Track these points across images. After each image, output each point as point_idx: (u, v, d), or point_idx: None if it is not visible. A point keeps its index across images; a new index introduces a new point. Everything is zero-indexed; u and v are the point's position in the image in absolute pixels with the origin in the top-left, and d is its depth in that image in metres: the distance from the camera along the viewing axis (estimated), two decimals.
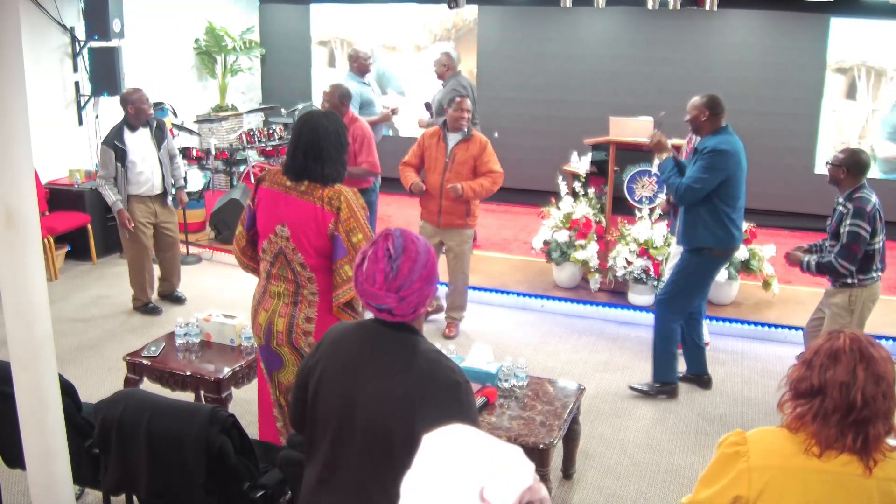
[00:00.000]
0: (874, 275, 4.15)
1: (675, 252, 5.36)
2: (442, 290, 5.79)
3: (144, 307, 6.08)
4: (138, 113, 5.73)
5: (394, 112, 7.35)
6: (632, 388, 4.88)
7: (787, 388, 1.97)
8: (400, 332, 2.02)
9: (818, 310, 4.46)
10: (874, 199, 4.07)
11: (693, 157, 4.51)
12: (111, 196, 5.76)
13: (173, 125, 8.06)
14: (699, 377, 4.99)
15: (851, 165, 4.08)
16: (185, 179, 6.23)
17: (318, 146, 3.07)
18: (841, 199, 4.16)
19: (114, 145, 5.70)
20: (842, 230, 4.08)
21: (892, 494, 1.87)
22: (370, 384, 1.98)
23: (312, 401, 2.08)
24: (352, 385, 2.00)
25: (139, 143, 5.78)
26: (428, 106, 7.26)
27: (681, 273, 4.66)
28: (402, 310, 1.96)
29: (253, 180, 8.15)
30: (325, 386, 2.05)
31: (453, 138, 5.42)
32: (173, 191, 6.05)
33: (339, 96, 5.69)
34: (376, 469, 1.95)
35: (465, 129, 5.39)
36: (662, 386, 4.82)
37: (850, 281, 4.14)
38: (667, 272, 5.43)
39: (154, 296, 6.18)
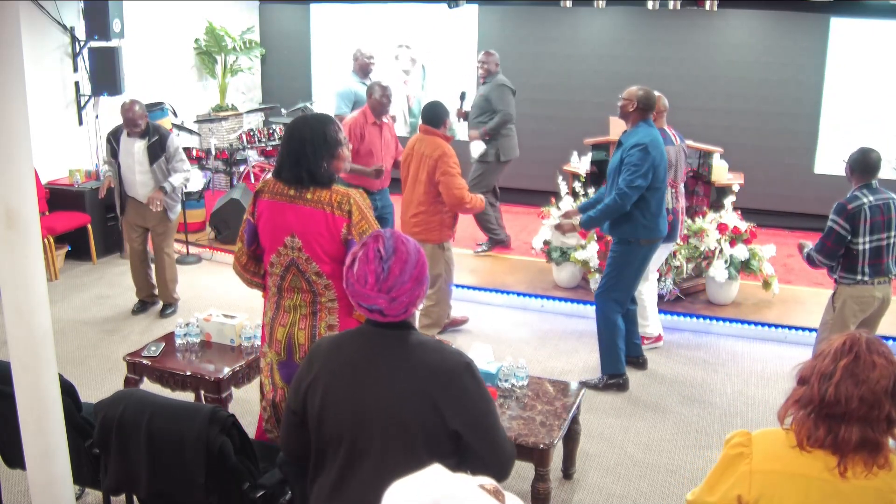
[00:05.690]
0: (858, 276, 4.12)
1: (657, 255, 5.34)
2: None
3: (137, 304, 6.16)
4: (125, 125, 5.66)
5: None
6: (582, 384, 4.72)
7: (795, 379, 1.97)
8: (397, 331, 2.04)
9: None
10: (867, 199, 4.03)
11: (617, 151, 4.62)
12: (105, 169, 6.08)
13: (173, 125, 8.06)
14: (636, 359, 5.15)
15: (853, 163, 4.16)
16: (173, 185, 5.73)
17: (310, 146, 2.95)
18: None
19: (110, 139, 5.83)
20: None
21: None
22: (381, 387, 1.98)
23: (319, 420, 2.04)
24: (361, 393, 2.00)
25: (128, 149, 5.69)
26: (463, 96, 7.10)
27: (614, 264, 4.75)
28: (393, 310, 1.98)
29: (253, 180, 8.21)
30: (332, 401, 2.03)
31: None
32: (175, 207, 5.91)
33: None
34: (397, 468, 1.97)
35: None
36: (610, 378, 4.88)
37: (834, 277, 4.24)
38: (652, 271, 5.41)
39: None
